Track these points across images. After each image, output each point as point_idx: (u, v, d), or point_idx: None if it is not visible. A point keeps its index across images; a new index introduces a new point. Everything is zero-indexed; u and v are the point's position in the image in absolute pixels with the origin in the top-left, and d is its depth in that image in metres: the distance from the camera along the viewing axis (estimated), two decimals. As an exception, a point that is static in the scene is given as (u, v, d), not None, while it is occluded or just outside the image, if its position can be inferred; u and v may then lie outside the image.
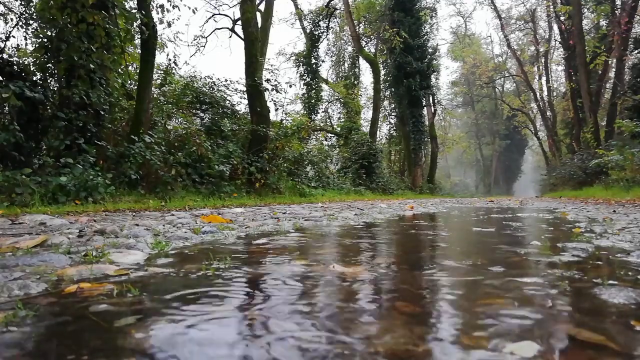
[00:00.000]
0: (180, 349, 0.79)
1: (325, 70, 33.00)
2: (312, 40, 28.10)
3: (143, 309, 1.06)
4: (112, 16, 8.44)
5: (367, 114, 32.73)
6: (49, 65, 8.21)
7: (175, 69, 14.17)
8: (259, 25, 15.05)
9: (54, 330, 0.91)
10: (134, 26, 9.60)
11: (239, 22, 17.62)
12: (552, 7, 28.99)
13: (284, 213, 5.56)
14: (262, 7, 18.07)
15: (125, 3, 9.33)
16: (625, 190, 12.02)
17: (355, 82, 29.72)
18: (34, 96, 7.28)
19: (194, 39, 22.79)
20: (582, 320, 0.96)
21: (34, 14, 8.84)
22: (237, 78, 20.00)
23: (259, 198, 10.78)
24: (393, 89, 28.45)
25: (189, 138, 10.32)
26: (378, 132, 29.39)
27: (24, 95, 7.10)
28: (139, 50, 10.40)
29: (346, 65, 31.11)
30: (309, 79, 27.64)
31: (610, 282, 1.33)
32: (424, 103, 29.20)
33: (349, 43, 30.33)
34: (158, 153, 8.87)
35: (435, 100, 32.17)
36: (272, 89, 14.00)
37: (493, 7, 36.29)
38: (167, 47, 16.78)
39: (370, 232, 3.24)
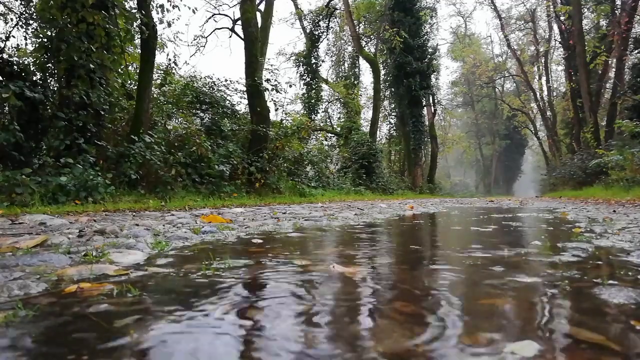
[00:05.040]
0: (180, 349, 0.79)
1: (325, 70, 33.05)
2: (312, 40, 28.09)
3: (143, 309, 1.06)
4: (112, 16, 8.43)
5: (367, 114, 32.77)
6: (49, 65, 8.21)
7: (175, 69, 14.18)
8: (259, 25, 15.03)
9: (54, 330, 0.91)
10: (134, 26, 9.60)
11: (239, 22, 17.61)
12: (552, 7, 28.97)
13: (284, 213, 5.56)
14: (262, 7, 18.06)
15: (125, 3, 9.33)
16: (625, 190, 12.01)
17: (355, 82, 29.70)
18: (34, 96, 7.28)
19: (194, 39, 22.78)
20: (582, 320, 0.96)
21: (34, 14, 8.85)
22: (237, 78, 19.99)
23: (259, 198, 10.78)
24: (393, 89, 28.46)
25: (189, 138, 10.32)
26: (378, 132, 29.40)
27: (24, 95, 7.10)
28: (139, 50, 10.40)
29: (346, 65, 31.11)
30: (309, 79, 27.63)
31: (610, 282, 1.33)
32: (424, 103, 29.20)
33: (349, 43, 30.33)
34: (158, 153, 8.87)
35: (435, 100, 32.19)
36: (272, 89, 13.99)
37: (493, 7, 36.30)
38: (167, 47, 16.82)
39: (370, 232, 3.24)
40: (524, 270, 1.60)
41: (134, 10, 9.37)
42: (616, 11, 21.94)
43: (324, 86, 29.55)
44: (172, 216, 4.57)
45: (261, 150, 12.12)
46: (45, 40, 8.10)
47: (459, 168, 68.41)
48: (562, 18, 25.87)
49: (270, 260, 1.80)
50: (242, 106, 15.42)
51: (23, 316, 0.98)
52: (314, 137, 23.71)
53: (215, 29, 24.14)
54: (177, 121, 12.39)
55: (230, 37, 28.17)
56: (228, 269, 1.58)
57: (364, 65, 31.34)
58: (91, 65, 7.86)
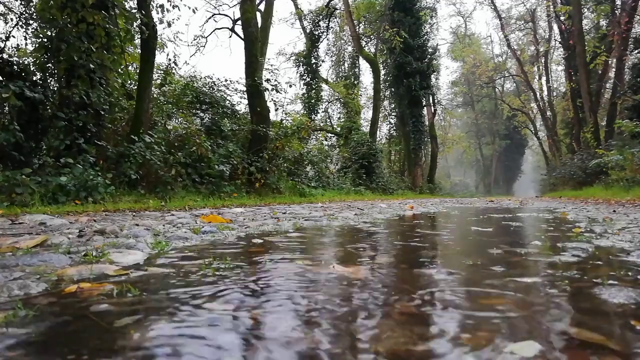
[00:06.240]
0: (179, 349, 0.79)
1: (325, 70, 33.04)
2: (312, 40, 28.09)
3: (143, 309, 1.06)
4: (112, 16, 8.43)
5: (367, 114, 32.77)
6: (49, 65, 8.21)
7: (175, 69, 14.18)
8: (259, 25, 15.03)
9: (54, 330, 0.91)
10: (134, 26, 9.60)
11: (239, 22, 17.61)
12: (552, 7, 28.98)
13: (284, 213, 5.55)
14: (262, 7, 18.06)
15: (125, 3, 9.33)
16: (625, 190, 12.01)
17: (355, 82, 29.70)
18: (34, 96, 7.28)
19: (194, 39, 22.77)
20: (582, 320, 0.96)
21: (34, 14, 8.85)
22: (237, 78, 20.00)
23: (259, 198, 10.78)
24: (393, 89, 28.46)
25: (189, 138, 10.32)
26: (378, 132, 29.40)
27: (24, 95, 7.10)
28: (139, 50, 10.40)
29: (346, 65, 31.11)
30: (309, 79, 27.63)
31: (610, 282, 1.33)
32: (424, 103, 29.20)
33: (349, 43, 30.32)
34: (158, 153, 8.87)
35: (435, 100, 32.18)
36: (272, 89, 13.99)
37: (493, 7, 36.30)
38: (167, 47, 16.82)
39: (370, 232, 3.24)
40: (524, 270, 1.60)
41: (134, 10, 9.37)
42: (616, 11, 21.94)
43: (324, 86, 29.56)
44: (172, 216, 4.57)
45: (261, 150, 12.12)
46: (45, 40, 8.09)
47: (459, 168, 68.40)
48: (562, 18, 25.87)
49: (270, 260, 1.80)
50: (242, 106, 15.44)
51: (23, 316, 0.98)
52: (314, 137, 23.71)
53: (215, 29, 24.15)
54: (177, 121, 12.39)
55: (230, 37, 28.18)
56: (228, 269, 1.58)
57: (364, 65, 31.37)
58: (91, 65, 7.86)
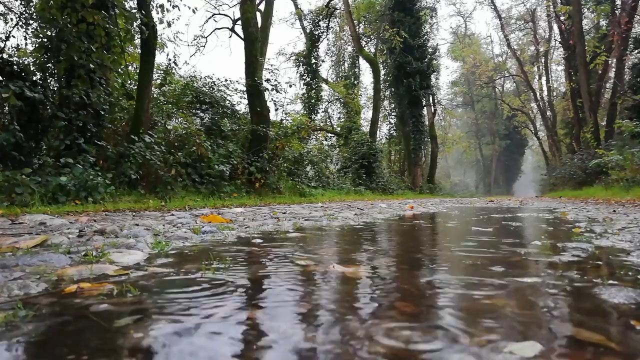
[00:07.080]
0: (180, 349, 0.79)
1: (325, 70, 33.06)
2: (312, 40, 28.09)
3: (143, 309, 1.06)
4: (112, 16, 8.43)
5: (367, 114, 32.79)
6: (49, 65, 8.20)
7: (175, 69, 14.18)
8: (259, 25, 15.04)
9: (54, 330, 0.91)
10: (134, 26, 9.59)
11: (239, 22, 17.62)
12: (552, 7, 29.00)
13: (284, 213, 5.55)
14: (262, 7, 18.06)
15: (125, 3, 9.32)
16: (625, 190, 12.02)
17: (355, 82, 29.72)
18: (34, 96, 7.27)
19: (194, 39, 22.81)
20: (582, 320, 0.96)
21: (34, 14, 8.83)
22: (237, 78, 20.03)
23: (259, 198, 10.78)
24: (393, 89, 28.46)
25: (189, 138, 10.32)
26: (378, 132, 29.39)
27: (24, 95, 7.10)
28: (139, 50, 10.40)
29: (346, 65, 31.13)
30: (309, 79, 27.64)
31: (610, 282, 1.33)
32: (424, 103, 29.21)
33: (349, 43, 30.34)
34: (158, 153, 8.87)
35: (435, 100, 32.20)
36: (272, 89, 14.02)
37: (493, 7, 36.33)
38: (167, 47, 16.81)
39: (370, 232, 3.24)
40: (524, 270, 1.60)
41: (134, 10, 9.36)
42: (616, 11, 21.94)
43: (324, 86, 29.57)
44: (172, 216, 4.57)
45: (261, 150, 12.12)
46: (45, 40, 8.09)
47: (459, 168, 68.42)
48: (562, 18, 25.87)
49: (270, 260, 1.80)
50: (242, 106, 15.45)
51: (23, 316, 0.98)
52: (314, 137, 23.72)
53: (215, 29, 24.18)
54: (177, 121, 12.40)
55: (230, 37, 28.22)
56: (228, 269, 1.58)
57: (364, 65, 31.40)
58: (91, 65, 7.86)
